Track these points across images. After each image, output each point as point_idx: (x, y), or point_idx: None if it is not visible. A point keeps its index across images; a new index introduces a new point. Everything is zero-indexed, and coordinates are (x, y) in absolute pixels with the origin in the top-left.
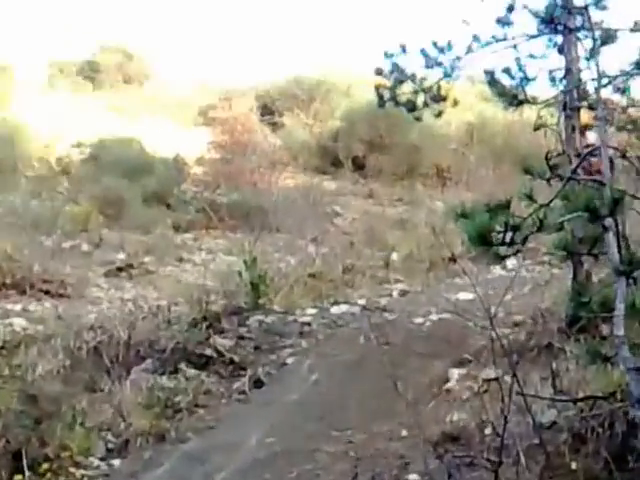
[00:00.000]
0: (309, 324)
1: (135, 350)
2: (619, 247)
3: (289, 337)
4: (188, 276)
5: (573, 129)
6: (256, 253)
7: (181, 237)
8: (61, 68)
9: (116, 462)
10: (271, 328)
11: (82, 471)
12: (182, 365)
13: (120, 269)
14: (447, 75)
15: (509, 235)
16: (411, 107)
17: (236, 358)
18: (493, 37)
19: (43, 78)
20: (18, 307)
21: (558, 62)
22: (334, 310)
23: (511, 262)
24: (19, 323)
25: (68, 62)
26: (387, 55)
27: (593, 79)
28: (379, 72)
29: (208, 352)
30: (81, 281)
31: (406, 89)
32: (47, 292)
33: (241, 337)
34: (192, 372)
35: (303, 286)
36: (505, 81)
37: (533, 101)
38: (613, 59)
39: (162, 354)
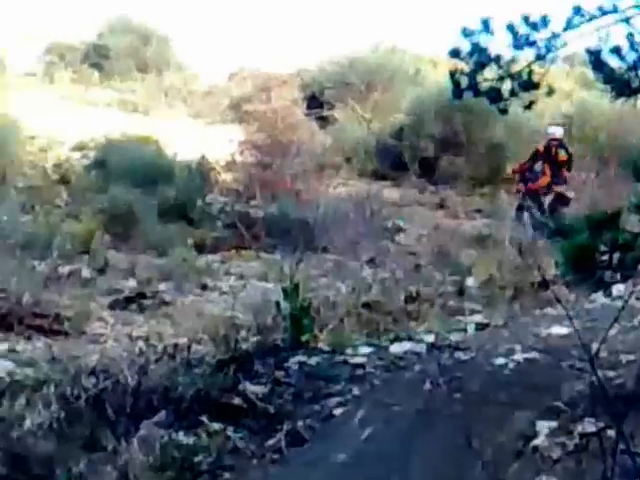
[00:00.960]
0: (362, 366)
1: (146, 399)
2: None
3: (337, 382)
4: (213, 307)
5: None
6: (298, 278)
7: (205, 259)
8: (61, 53)
9: None
10: (315, 371)
11: None
12: (204, 417)
13: (129, 299)
14: (540, 57)
15: (616, 256)
16: (495, 97)
17: (271, 409)
18: (599, 9)
19: (39, 66)
20: (3, 347)
21: None
22: (394, 348)
23: (617, 288)
24: (4, 366)
25: (70, 46)
26: (465, 33)
27: None
28: (455, 54)
29: (236, 401)
30: (81, 314)
31: (489, 75)
32: (39, 328)
33: (277, 383)
34: (216, 426)
35: (356, 319)
36: (614, 63)
37: None
38: None
39: (179, 404)
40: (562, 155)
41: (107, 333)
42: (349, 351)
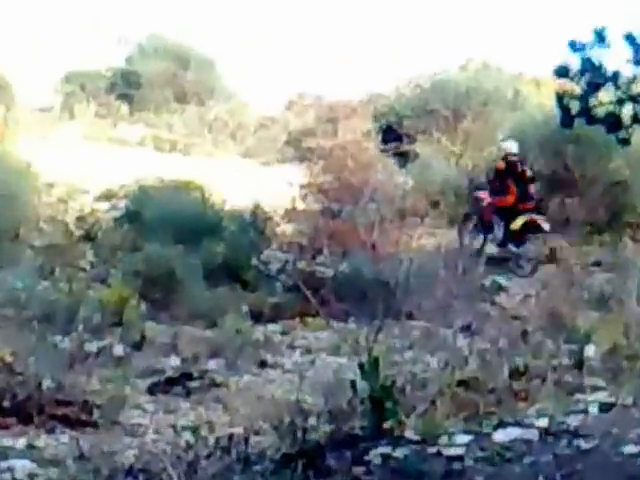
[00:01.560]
0: (460, 459)
1: None
2: None
3: (429, 479)
4: (275, 389)
5: None
6: (377, 351)
7: (263, 330)
8: (83, 83)
9: None
10: (402, 466)
11: None
12: None
13: (172, 381)
14: None
15: None
16: (613, 124)
17: None
18: None
19: (56, 98)
20: (21, 442)
21: None
22: (498, 436)
23: None
24: (23, 467)
25: (93, 74)
26: (575, 46)
27: None
28: (563, 72)
29: None
30: (114, 401)
31: (605, 97)
32: (64, 419)
33: None
34: None
35: (450, 400)
36: None
37: None
38: None
39: None
40: (528, 173)
41: (146, 423)
42: (443, 440)
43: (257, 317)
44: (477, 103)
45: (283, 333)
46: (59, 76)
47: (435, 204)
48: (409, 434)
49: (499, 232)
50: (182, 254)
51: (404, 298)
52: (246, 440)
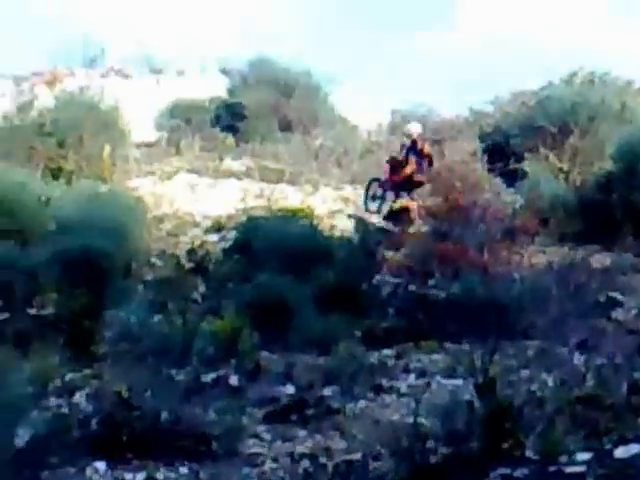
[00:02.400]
0: (582, 476)
1: None
2: None
3: None
4: (391, 413)
5: None
6: (493, 372)
7: (377, 355)
8: (187, 117)
9: None
10: None
11: None
12: None
13: (288, 409)
14: None
15: None
16: None
17: None
18: None
19: (160, 133)
20: (140, 476)
21: None
22: (619, 453)
23: None
24: None
25: (197, 106)
26: None
27: None
28: None
29: None
30: (231, 431)
31: None
32: (182, 451)
33: None
34: None
35: (569, 418)
36: None
37: None
38: None
39: None
40: (427, 149)
41: (264, 452)
42: (563, 459)
43: (370, 342)
44: (583, 118)
45: (397, 357)
46: (162, 109)
47: (545, 222)
48: (529, 454)
49: (386, 206)
50: (293, 282)
51: (518, 317)
52: (364, 465)
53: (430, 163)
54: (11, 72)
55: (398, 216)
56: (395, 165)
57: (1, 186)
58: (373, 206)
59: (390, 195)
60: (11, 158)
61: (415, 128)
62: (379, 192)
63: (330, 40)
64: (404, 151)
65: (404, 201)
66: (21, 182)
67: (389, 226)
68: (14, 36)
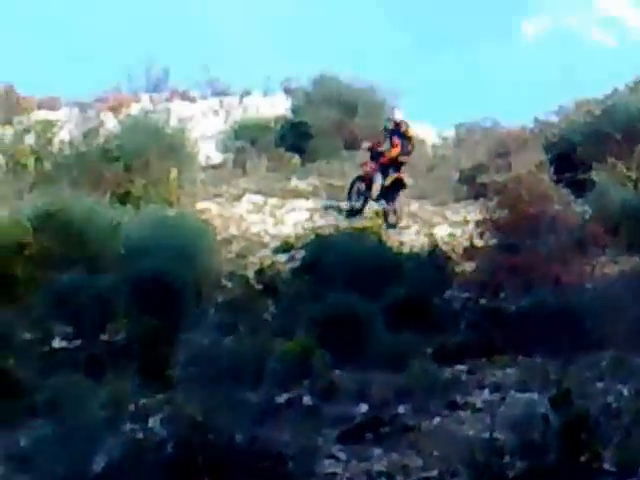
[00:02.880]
0: None
1: None
2: None
3: None
4: (466, 429)
5: None
6: (568, 384)
7: (450, 370)
8: (253, 138)
9: None
10: None
11: None
12: None
13: (363, 428)
14: None
15: None
16: None
17: None
18: None
19: (225, 155)
20: None
21: None
22: None
23: None
24: None
25: (262, 127)
26: None
27: None
28: None
29: None
30: (307, 452)
31: None
32: (258, 472)
33: None
34: None
35: None
36: None
37: None
38: None
39: None
40: (410, 131)
41: (340, 472)
42: None
43: (443, 358)
44: None
45: (470, 372)
46: (229, 132)
47: (615, 232)
48: (607, 465)
49: (376, 188)
50: (363, 299)
51: (591, 328)
52: None
53: (412, 145)
54: (75, 99)
55: (391, 190)
56: (375, 153)
57: (70, 213)
58: (357, 203)
59: (378, 177)
60: (79, 185)
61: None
62: (363, 188)
63: (391, 55)
64: (387, 134)
65: (394, 175)
66: (90, 208)
67: (383, 204)
68: (77, 62)
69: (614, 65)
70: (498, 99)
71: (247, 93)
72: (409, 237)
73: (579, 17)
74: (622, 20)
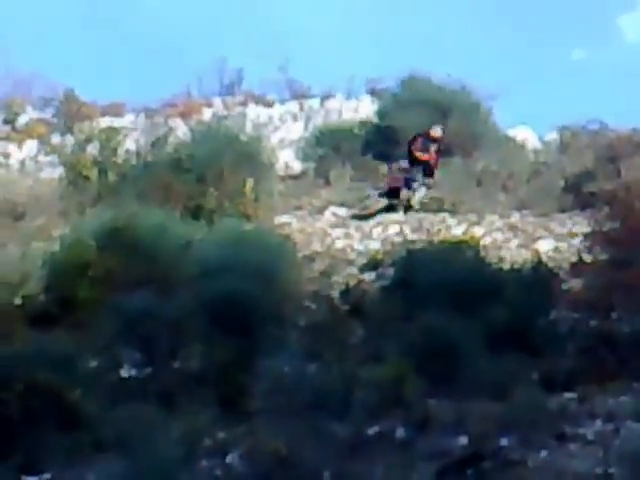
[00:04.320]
0: None
1: None
2: None
3: None
4: (577, 463)
5: None
6: None
7: (558, 399)
8: (336, 144)
9: None
10: None
11: None
12: None
13: (463, 463)
14: None
15: None
16: None
17: None
18: None
19: (306, 163)
20: None
21: None
22: None
23: None
24: None
25: (346, 132)
26: None
27: None
28: None
29: None
30: None
31: None
32: None
33: None
34: None
35: None
36: None
37: None
38: None
39: None
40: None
41: None
42: None
43: (550, 385)
44: None
45: (580, 400)
46: (310, 139)
47: None
48: None
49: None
50: (460, 321)
51: None
52: None
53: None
54: (142, 104)
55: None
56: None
57: (137, 229)
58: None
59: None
60: (147, 198)
61: (439, 131)
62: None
63: (483, 56)
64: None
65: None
66: (159, 224)
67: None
68: (144, 65)
69: None
70: (603, 100)
71: (329, 96)
72: (510, 252)
73: None
74: None
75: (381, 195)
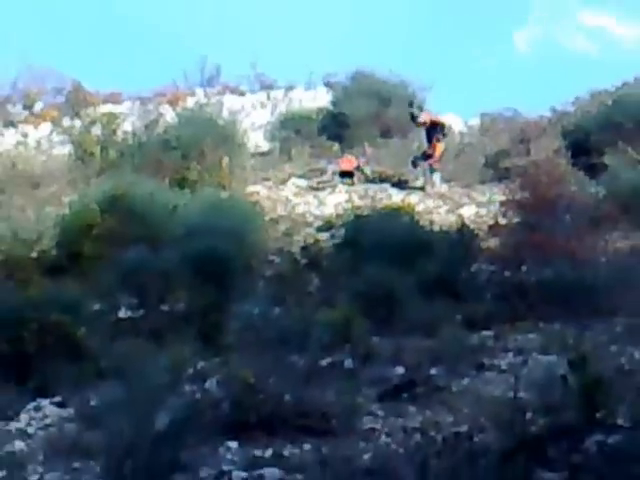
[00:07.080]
0: None
1: None
2: None
3: None
4: (492, 389)
5: None
6: (584, 348)
7: (477, 336)
8: (297, 126)
9: None
10: (618, 452)
11: None
12: None
13: (399, 388)
14: None
15: None
16: None
17: None
18: None
19: (272, 143)
20: (268, 453)
21: None
22: None
23: None
24: (273, 474)
25: (305, 117)
26: None
27: None
28: None
29: None
30: (348, 410)
31: None
32: (304, 429)
33: (576, 468)
34: None
35: None
36: None
37: None
38: None
39: None
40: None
41: (379, 428)
42: None
43: (471, 325)
44: None
45: (496, 337)
46: (276, 123)
47: (625, 210)
48: (621, 421)
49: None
50: (398, 273)
51: (605, 297)
52: (470, 437)
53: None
54: (137, 93)
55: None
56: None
57: (133, 197)
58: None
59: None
60: (140, 171)
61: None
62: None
63: (420, 49)
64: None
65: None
66: (151, 192)
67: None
68: (138, 60)
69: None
70: (516, 91)
71: (291, 87)
72: (439, 216)
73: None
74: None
75: (336, 174)
